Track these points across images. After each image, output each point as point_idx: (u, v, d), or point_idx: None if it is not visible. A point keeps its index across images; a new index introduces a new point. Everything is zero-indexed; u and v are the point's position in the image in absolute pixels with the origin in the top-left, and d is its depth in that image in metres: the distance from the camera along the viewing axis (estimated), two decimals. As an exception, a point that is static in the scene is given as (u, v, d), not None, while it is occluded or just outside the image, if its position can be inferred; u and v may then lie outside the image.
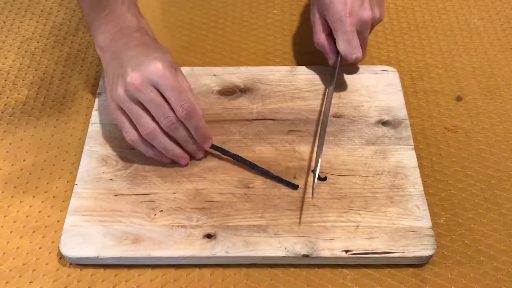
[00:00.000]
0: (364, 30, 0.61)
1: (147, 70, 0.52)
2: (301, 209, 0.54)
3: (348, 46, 0.60)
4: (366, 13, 0.60)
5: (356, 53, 0.60)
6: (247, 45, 0.74)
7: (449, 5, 0.79)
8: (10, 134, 0.64)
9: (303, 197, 0.55)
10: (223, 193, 0.56)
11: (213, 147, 0.58)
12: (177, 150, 0.56)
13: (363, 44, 0.62)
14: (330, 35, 0.63)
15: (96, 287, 0.51)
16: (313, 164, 0.58)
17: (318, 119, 0.62)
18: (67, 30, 0.76)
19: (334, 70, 0.63)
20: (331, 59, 0.64)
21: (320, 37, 0.64)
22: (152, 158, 0.58)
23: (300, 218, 0.53)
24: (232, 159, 0.58)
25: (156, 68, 0.52)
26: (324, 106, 0.63)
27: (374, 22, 0.63)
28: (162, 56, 0.53)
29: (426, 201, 0.55)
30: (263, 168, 0.57)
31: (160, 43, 0.58)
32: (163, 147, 0.55)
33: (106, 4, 0.58)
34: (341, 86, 0.65)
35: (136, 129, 0.54)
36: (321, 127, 0.60)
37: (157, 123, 0.53)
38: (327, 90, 0.64)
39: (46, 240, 0.55)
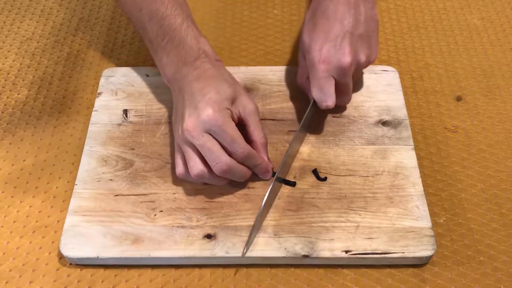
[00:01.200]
0: (343, 76, 0.57)
1: (199, 118, 0.52)
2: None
3: (318, 93, 0.57)
4: (345, 60, 0.56)
5: (326, 101, 0.57)
6: (247, 45, 0.74)
7: (449, 5, 0.79)
8: (10, 134, 0.64)
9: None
10: (223, 193, 0.56)
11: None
12: (226, 181, 0.55)
13: (344, 90, 0.59)
14: None
15: (96, 287, 0.51)
16: (313, 164, 0.58)
17: (318, 119, 0.62)
18: (67, 30, 0.76)
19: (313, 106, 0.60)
20: (311, 100, 0.60)
21: (300, 79, 0.63)
22: (152, 158, 0.58)
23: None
24: None
25: (207, 116, 0.52)
26: (292, 143, 0.58)
27: (360, 66, 0.59)
28: (217, 97, 0.53)
29: (426, 201, 0.55)
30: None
31: (221, 67, 0.58)
32: (211, 183, 0.55)
33: (167, 28, 0.58)
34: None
35: (185, 165, 0.54)
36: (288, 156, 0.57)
37: (207, 165, 0.53)
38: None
39: (46, 240, 0.55)
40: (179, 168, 0.55)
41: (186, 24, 0.58)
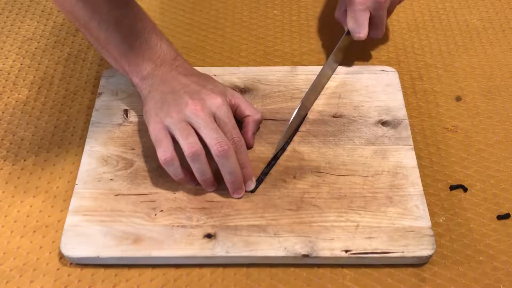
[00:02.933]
0: (378, 9, 0.63)
1: (208, 101, 0.54)
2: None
3: (352, 24, 0.64)
4: None
5: (359, 31, 0.63)
6: (247, 45, 0.74)
7: (449, 5, 0.80)
8: (10, 134, 0.64)
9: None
10: (223, 193, 0.56)
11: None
12: (211, 175, 0.54)
13: (379, 23, 0.65)
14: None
15: (97, 287, 0.51)
16: (313, 164, 0.58)
17: (319, 119, 0.62)
18: (68, 30, 0.76)
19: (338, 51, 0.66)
20: (346, 31, 0.67)
21: (338, 12, 0.68)
22: (152, 158, 0.58)
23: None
24: None
25: (216, 100, 0.55)
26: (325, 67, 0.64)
27: (395, 1, 0.65)
28: (216, 89, 0.56)
29: (426, 201, 0.55)
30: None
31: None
32: (201, 169, 0.53)
33: (141, 30, 0.58)
34: (341, 86, 0.65)
35: (174, 150, 0.53)
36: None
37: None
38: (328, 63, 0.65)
39: (47, 240, 0.55)
40: (168, 152, 0.52)
41: (158, 33, 0.60)
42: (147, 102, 0.57)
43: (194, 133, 0.53)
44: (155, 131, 0.54)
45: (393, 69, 0.67)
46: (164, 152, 0.53)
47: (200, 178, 0.54)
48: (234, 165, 0.53)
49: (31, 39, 0.75)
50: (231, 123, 0.55)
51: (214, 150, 0.52)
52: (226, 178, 0.54)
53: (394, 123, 0.61)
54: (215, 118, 0.54)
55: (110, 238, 0.52)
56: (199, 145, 0.52)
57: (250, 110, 0.59)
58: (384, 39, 0.74)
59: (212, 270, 0.52)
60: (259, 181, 0.56)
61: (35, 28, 0.77)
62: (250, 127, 0.59)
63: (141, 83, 0.59)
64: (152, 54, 0.58)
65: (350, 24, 0.64)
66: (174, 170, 0.54)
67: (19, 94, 0.68)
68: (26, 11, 0.79)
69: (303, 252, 0.51)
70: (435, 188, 0.58)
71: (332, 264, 0.52)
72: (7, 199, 0.58)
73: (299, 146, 0.60)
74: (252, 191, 0.56)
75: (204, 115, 0.53)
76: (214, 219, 0.54)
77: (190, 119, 0.53)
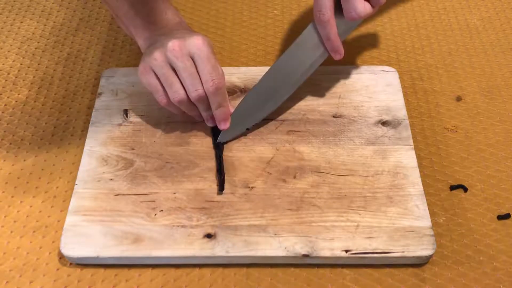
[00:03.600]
0: None
1: (188, 41, 0.56)
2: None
3: (346, 3, 0.57)
4: None
5: (352, 11, 0.57)
6: (247, 45, 0.74)
7: (449, 5, 0.80)
8: (10, 134, 0.64)
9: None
10: (223, 193, 0.56)
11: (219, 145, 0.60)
12: (203, 113, 0.59)
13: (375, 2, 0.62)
14: None
15: (97, 287, 0.51)
16: (313, 164, 0.58)
17: (318, 119, 0.62)
18: (67, 30, 0.76)
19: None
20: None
21: None
22: (152, 158, 0.58)
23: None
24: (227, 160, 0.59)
25: (196, 40, 0.56)
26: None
27: None
28: (204, 37, 0.58)
29: (426, 201, 0.55)
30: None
31: None
32: (188, 108, 0.58)
33: (147, 1, 0.61)
34: (341, 86, 0.65)
35: (165, 91, 0.57)
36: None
37: (185, 91, 0.57)
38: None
39: (47, 240, 0.55)
40: (162, 98, 0.57)
41: (166, 1, 0.62)
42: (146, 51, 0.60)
43: (177, 79, 0.56)
44: (144, 73, 0.57)
45: (393, 69, 0.67)
46: (161, 96, 0.57)
47: (191, 114, 0.59)
48: (208, 107, 0.58)
49: (31, 39, 0.75)
50: (210, 63, 0.56)
51: (192, 96, 0.56)
52: (203, 114, 0.59)
53: (394, 123, 0.61)
54: (194, 59, 0.56)
55: (110, 238, 0.52)
56: (182, 92, 0.56)
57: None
58: (384, 39, 0.74)
59: (212, 270, 0.52)
60: (221, 181, 0.56)
61: (35, 28, 0.77)
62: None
63: (144, 43, 0.61)
64: (157, 20, 0.61)
65: (344, 6, 0.58)
66: (173, 110, 0.59)
67: (19, 94, 0.68)
68: (26, 11, 0.79)
69: (303, 252, 0.51)
70: (435, 188, 0.58)
71: (332, 264, 0.52)
72: (7, 199, 0.58)
73: (299, 146, 0.60)
74: (221, 190, 0.56)
75: (182, 57, 0.55)
76: (214, 219, 0.54)
77: (171, 62, 0.56)
